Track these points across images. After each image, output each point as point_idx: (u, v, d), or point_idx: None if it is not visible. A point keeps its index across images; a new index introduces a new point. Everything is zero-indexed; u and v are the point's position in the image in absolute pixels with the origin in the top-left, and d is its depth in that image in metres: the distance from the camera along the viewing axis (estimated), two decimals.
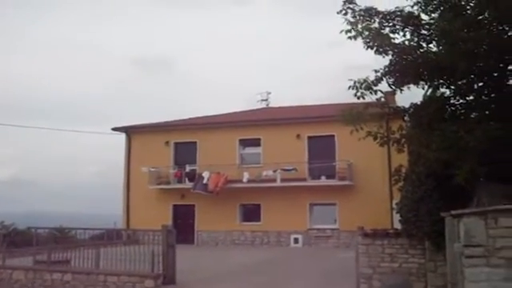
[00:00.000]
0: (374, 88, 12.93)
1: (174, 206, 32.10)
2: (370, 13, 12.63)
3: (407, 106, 13.96)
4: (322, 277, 17.46)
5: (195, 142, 32.42)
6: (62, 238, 24.13)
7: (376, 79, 12.84)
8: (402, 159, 15.29)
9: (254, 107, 37.25)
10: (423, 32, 12.57)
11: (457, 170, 11.12)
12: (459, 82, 12.67)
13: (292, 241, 29.41)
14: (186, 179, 31.91)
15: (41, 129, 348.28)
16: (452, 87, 12.96)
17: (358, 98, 13.02)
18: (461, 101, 13.11)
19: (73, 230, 23.66)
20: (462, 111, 13.04)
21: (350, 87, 12.82)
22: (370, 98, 13.28)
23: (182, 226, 27.78)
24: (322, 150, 29.50)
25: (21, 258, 21.27)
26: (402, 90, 13.25)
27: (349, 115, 13.42)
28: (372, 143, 14.70)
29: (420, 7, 12.44)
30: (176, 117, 41.66)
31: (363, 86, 12.79)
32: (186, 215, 31.33)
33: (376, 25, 12.63)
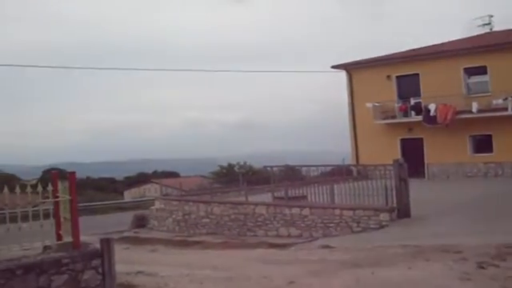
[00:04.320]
0: None
1: (402, 139, 32.02)
2: None
3: None
4: None
5: (417, 74, 31.72)
6: (294, 175, 25.39)
7: None
8: None
9: (475, 33, 34.64)
10: None
11: None
12: None
13: None
14: (412, 112, 31.47)
15: (265, 72, 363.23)
16: None
17: None
18: None
19: (304, 167, 24.67)
20: None
21: None
22: None
23: (411, 160, 27.22)
24: None
25: (259, 195, 23.00)
26: None
27: None
28: None
29: None
30: (393, 50, 40.70)
31: None
32: (414, 149, 31.00)
33: None
